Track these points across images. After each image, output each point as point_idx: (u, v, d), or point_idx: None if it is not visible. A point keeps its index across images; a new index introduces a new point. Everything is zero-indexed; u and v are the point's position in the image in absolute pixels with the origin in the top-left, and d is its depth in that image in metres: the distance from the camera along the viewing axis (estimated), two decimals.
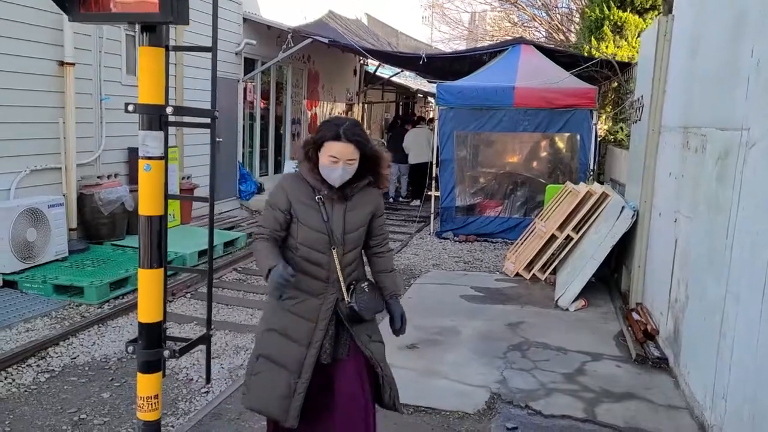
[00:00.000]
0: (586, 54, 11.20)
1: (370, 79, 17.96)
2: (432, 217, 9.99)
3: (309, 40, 10.50)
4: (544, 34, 21.60)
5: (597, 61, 9.09)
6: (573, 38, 18.85)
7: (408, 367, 4.45)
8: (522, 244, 7.82)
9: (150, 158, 2.61)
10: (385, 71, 18.02)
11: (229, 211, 10.43)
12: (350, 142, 2.60)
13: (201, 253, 7.16)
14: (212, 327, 4.79)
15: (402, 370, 4.40)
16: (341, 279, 2.69)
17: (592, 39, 13.97)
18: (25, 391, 4.09)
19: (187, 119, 3.11)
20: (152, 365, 2.74)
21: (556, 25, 21.28)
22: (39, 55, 6.37)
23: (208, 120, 2.93)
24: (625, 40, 13.80)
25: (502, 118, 9.09)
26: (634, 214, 5.59)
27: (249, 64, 11.22)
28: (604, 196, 6.71)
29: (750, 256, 2.92)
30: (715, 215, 3.59)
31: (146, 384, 2.73)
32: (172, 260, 6.62)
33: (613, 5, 13.73)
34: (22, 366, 4.41)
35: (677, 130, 4.78)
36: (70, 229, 6.62)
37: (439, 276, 7.28)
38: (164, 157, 2.66)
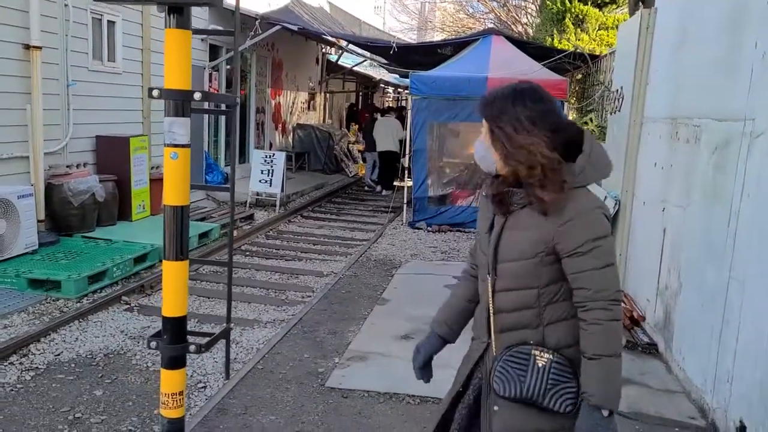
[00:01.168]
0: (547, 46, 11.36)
1: (332, 68, 17.81)
2: (405, 207, 9.99)
3: (277, 27, 10.31)
4: (499, 26, 21.87)
5: (569, 53, 9.24)
6: (531, 31, 19.16)
7: (408, 358, 4.43)
8: None
9: (177, 146, 2.52)
10: (347, 61, 17.91)
11: (197, 201, 10.17)
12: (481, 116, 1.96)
13: None
14: (222, 322, 4.67)
15: (402, 360, 4.40)
16: (491, 325, 1.95)
17: (555, 31, 14.25)
18: (12, 390, 3.90)
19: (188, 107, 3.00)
20: (177, 361, 2.65)
21: (513, 17, 21.57)
22: (3, 37, 6.03)
23: (218, 108, 2.82)
24: (586, 33, 14.12)
25: (476, 108, 9.13)
26: (616, 204, 5.73)
27: (213, 51, 10.94)
28: None
29: (759, 243, 3.03)
30: (713, 204, 3.70)
31: (171, 380, 2.64)
32: (148, 252, 6.41)
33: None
34: (4, 364, 4.19)
35: (663, 121, 4.91)
36: (39, 221, 6.32)
37: (420, 266, 7.30)
38: (190, 145, 2.57)
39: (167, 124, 2.49)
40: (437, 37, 26.01)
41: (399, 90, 26.19)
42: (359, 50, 10.84)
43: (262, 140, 13.64)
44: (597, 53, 11.06)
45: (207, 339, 2.65)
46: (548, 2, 14.37)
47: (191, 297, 5.93)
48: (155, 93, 2.53)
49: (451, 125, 9.55)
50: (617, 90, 6.29)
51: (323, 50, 17.17)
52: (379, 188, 13.48)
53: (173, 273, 2.56)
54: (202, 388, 4.11)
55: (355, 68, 17.66)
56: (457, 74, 9.23)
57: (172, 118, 2.48)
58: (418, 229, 9.42)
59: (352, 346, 4.66)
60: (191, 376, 4.26)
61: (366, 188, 14.17)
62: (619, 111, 6.13)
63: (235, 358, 4.59)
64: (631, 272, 5.53)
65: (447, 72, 9.46)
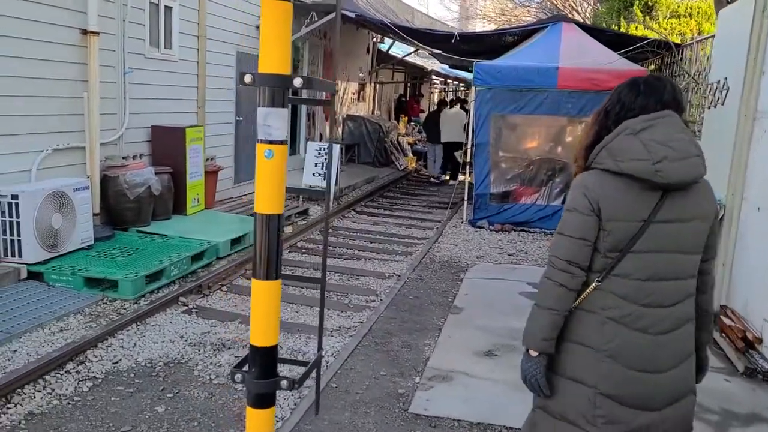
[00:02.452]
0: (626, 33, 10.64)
1: (382, 59, 17.35)
2: (465, 204, 9.49)
3: (331, 16, 9.89)
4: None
5: (652, 41, 8.57)
6: (588, 22, 18.32)
7: (495, 379, 3.99)
8: None
9: (272, 142, 2.10)
10: (397, 50, 17.43)
11: (249, 194, 9.88)
12: None
13: (234, 242, 6.64)
14: (290, 330, 4.26)
15: (489, 382, 3.95)
16: None
17: (621, 20, 13.48)
18: (69, 403, 3.59)
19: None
20: (266, 399, 2.23)
21: (571, 5, 20.71)
22: (61, 21, 5.76)
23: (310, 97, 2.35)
24: (656, 21, 13.31)
25: (544, 100, 8.59)
26: (721, 208, 5.13)
27: None
28: None
29: None
30: None
31: (259, 421, 2.22)
32: (206, 250, 6.09)
33: None
34: (61, 372, 3.90)
35: None
36: (94, 215, 6.06)
37: (488, 269, 6.81)
38: (287, 141, 2.15)
39: (261, 115, 2.08)
40: (480, 27, 25.27)
41: (448, 81, 25.58)
42: (413, 40, 10.34)
43: (312, 132, 13.30)
44: (687, 41, 10.32)
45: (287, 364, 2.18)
46: None
47: (249, 298, 5.58)
48: (248, 78, 2.11)
49: (516, 118, 9.00)
50: (719, 81, 5.66)
51: (374, 40, 16.72)
52: (446, 177, 13.95)
53: (264, 294, 2.15)
54: None
55: (406, 58, 17.16)
56: (524, 64, 8.66)
57: (267, 108, 2.06)
58: (480, 227, 8.92)
59: (432, 363, 4.23)
60: None
61: (432, 179, 14.26)
62: (722, 104, 5.51)
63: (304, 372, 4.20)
64: (739, 285, 4.94)
65: (513, 61, 8.90)
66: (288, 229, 7.91)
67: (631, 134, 1.94)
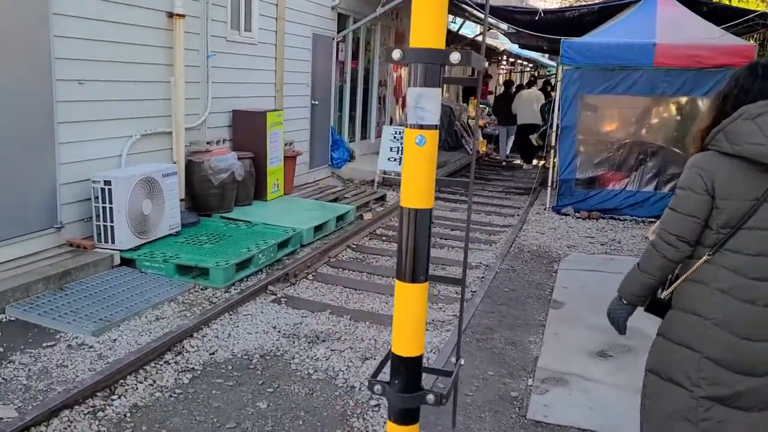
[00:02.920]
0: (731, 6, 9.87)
1: (451, 39, 16.88)
2: (549, 190, 9.06)
3: None
4: None
5: (762, 14, 7.87)
6: None
7: (617, 384, 3.66)
8: None
9: (424, 127, 1.85)
10: (466, 31, 16.91)
11: (323, 178, 9.76)
12: None
13: (317, 228, 6.50)
14: (356, 320, 4.05)
15: (608, 386, 3.63)
16: None
17: None
18: (171, 396, 3.49)
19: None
20: (410, 414, 2.01)
21: None
22: (148, 4, 5.68)
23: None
24: None
25: (638, 79, 8.05)
26: None
27: (341, 21, 10.38)
28: None
29: None
30: None
31: None
32: (290, 237, 5.96)
33: None
34: (160, 363, 3.81)
35: None
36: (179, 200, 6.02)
37: (583, 260, 6.42)
38: (438, 126, 1.89)
39: (413, 97, 1.82)
40: (545, 5, 24.27)
41: (516, 62, 24.80)
42: (495, 18, 9.90)
43: (383, 115, 13.06)
44: None
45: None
46: None
47: (336, 288, 5.43)
48: (396, 54, 1.86)
49: (605, 98, 8.48)
50: None
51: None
52: (518, 161, 13.93)
53: (410, 299, 1.91)
54: (376, 407, 3.53)
55: (476, 38, 16.64)
56: (617, 41, 8.12)
57: (419, 88, 1.81)
58: (565, 215, 8.49)
59: (542, 363, 3.94)
60: (360, 389, 3.70)
61: (503, 162, 14.15)
62: None
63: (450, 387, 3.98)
64: None
65: (604, 38, 8.36)
66: (367, 216, 7.72)
67: (748, 119, 1.99)
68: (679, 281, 2.15)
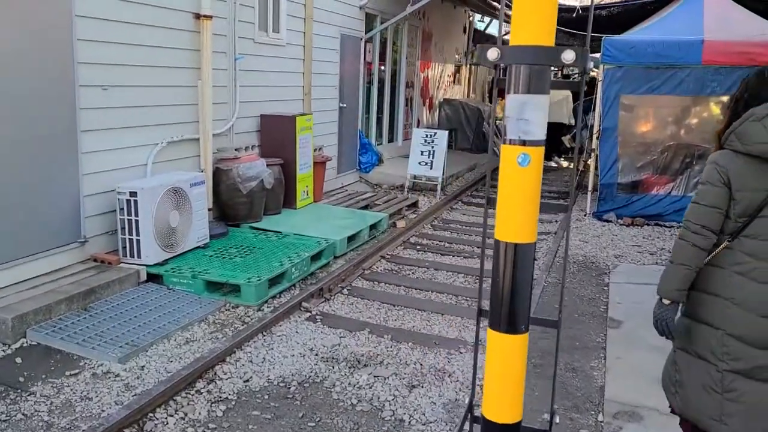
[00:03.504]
0: None
1: (478, 39, 16.50)
2: (590, 195, 8.63)
3: None
4: None
5: None
6: None
7: None
8: None
9: (527, 143, 1.51)
10: (494, 30, 16.52)
11: (351, 184, 9.45)
12: None
13: (350, 239, 6.18)
14: (397, 341, 3.73)
15: None
16: None
17: None
18: (204, 431, 3.19)
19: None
20: None
21: None
22: (174, 5, 5.41)
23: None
24: None
25: (685, 78, 7.62)
26: None
27: (369, 21, 10.05)
28: None
29: None
30: None
31: None
32: (324, 249, 5.64)
33: None
34: (191, 393, 3.51)
35: None
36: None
37: (634, 272, 6.02)
38: (545, 142, 1.55)
39: (514, 106, 1.48)
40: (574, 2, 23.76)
41: None
42: None
43: (410, 117, 12.72)
44: None
45: None
46: None
47: (373, 304, 5.10)
48: (493, 54, 1.53)
49: (649, 99, 8.04)
50: None
51: (470, 18, 15.90)
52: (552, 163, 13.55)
53: (508, 353, 1.57)
54: None
55: (504, 37, 16.24)
56: (662, 38, 7.69)
57: (523, 96, 1.46)
58: (607, 221, 8.07)
59: (610, 394, 3.56)
60: (409, 423, 3.36)
61: None
62: None
63: (456, 399, 3.64)
64: None
65: (648, 35, 7.93)
66: (401, 224, 7.38)
67: (755, 120, 2.23)
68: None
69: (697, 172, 8.08)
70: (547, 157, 13.84)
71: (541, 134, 1.48)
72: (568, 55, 1.39)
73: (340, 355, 4.11)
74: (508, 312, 1.55)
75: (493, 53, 1.48)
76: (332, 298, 5.16)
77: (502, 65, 1.48)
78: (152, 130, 5.29)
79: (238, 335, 4.11)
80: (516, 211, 1.50)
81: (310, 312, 4.80)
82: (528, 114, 1.45)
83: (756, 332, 2.22)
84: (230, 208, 6.07)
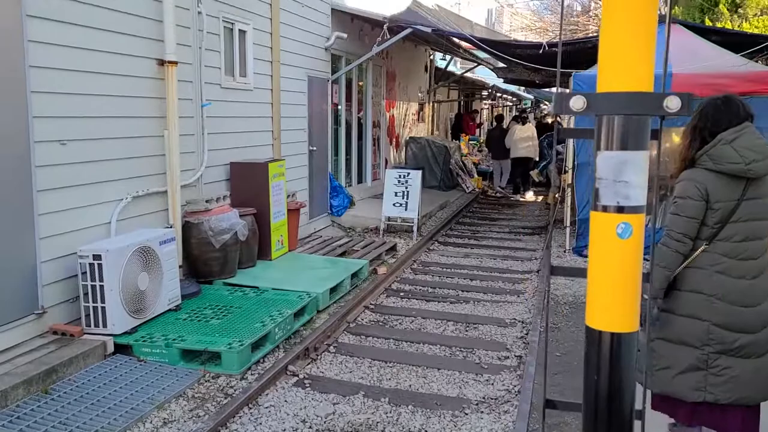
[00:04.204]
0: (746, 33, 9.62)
1: (440, 76, 16.58)
2: (567, 230, 8.51)
3: (408, 31, 9.13)
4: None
5: None
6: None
7: None
8: None
9: (626, 210, 1.25)
10: (453, 66, 16.63)
11: (323, 228, 9.11)
12: None
13: (332, 290, 5.83)
14: (396, 404, 3.41)
15: None
16: None
17: (706, 20, 12.43)
18: None
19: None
20: None
21: None
22: (136, 52, 5.08)
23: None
24: (744, 19, 12.23)
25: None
26: None
27: (334, 62, 9.89)
28: None
29: None
30: None
31: None
32: (307, 304, 5.27)
33: None
34: None
35: None
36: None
37: None
38: (645, 208, 1.28)
39: (610, 166, 1.23)
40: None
41: (498, 96, 24.63)
42: (496, 53, 9.48)
43: (377, 157, 12.53)
44: None
45: None
46: None
47: (363, 361, 4.74)
48: (578, 103, 1.33)
49: None
50: None
51: (431, 57, 15.97)
52: (510, 191, 14.04)
53: None
54: None
55: (465, 74, 16.35)
56: None
57: (620, 153, 1.21)
58: (587, 256, 7.91)
59: None
60: None
61: (497, 194, 14.24)
62: None
63: None
64: None
65: None
66: (381, 270, 7.06)
67: (725, 143, 2.63)
68: (680, 268, 2.73)
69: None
70: (516, 190, 13.93)
71: (643, 197, 1.20)
72: (673, 103, 1.14)
73: (336, 426, 3.73)
74: (607, 416, 1.25)
75: (578, 102, 1.21)
76: (319, 357, 4.78)
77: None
78: (116, 185, 4.89)
79: (222, 411, 3.69)
80: (616, 294, 1.21)
81: (298, 376, 4.40)
82: (628, 175, 1.18)
83: (736, 319, 2.66)
84: (202, 264, 5.66)
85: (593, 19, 20.13)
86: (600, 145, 1.17)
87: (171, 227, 5.27)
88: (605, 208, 1.19)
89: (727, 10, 12.23)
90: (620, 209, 1.18)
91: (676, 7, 13.38)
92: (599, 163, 1.19)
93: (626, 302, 1.20)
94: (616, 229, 1.16)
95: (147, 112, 5.20)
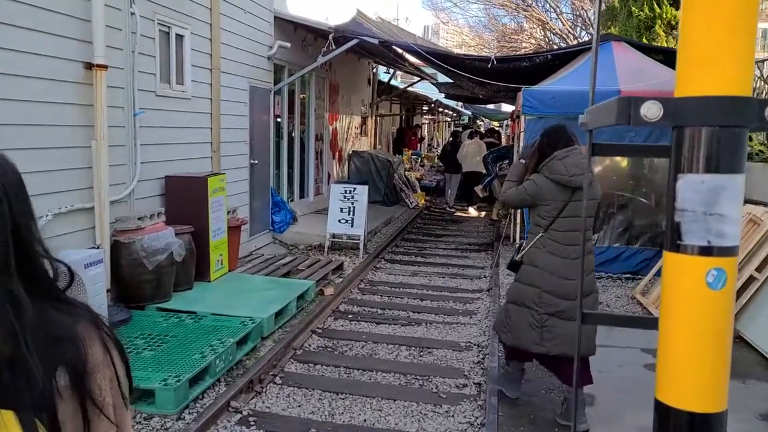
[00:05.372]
0: None
1: (382, 90, 16.41)
2: (516, 246, 8.37)
3: (355, 41, 8.86)
4: (554, 40, 20.46)
5: None
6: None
7: None
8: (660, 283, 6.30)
9: (718, 252, 0.94)
10: (396, 81, 16.50)
11: (265, 246, 8.66)
12: None
13: (277, 314, 5.42)
14: None
15: None
16: None
17: (644, 39, 12.76)
18: None
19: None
20: None
21: (568, 30, 20.21)
22: (60, 53, 4.57)
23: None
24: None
25: (604, 128, 7.62)
26: None
27: (277, 72, 9.50)
28: None
29: None
30: None
31: None
32: (250, 331, 4.85)
33: (665, 3, 12.56)
34: None
35: None
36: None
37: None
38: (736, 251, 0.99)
39: (699, 195, 0.92)
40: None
41: (438, 112, 24.75)
42: (446, 66, 9.35)
43: (320, 171, 12.17)
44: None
45: None
46: (633, 8, 12.91)
47: (313, 394, 4.37)
48: (653, 110, 0.98)
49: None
50: None
51: (373, 70, 15.78)
52: (464, 205, 14.24)
53: None
54: None
55: (408, 89, 16.24)
56: (580, 88, 7.70)
57: (713, 176, 0.91)
58: None
59: None
60: None
61: (448, 209, 14.25)
62: None
63: None
64: None
65: (565, 86, 7.94)
66: (328, 291, 6.70)
67: (558, 160, 3.62)
68: (526, 249, 3.79)
69: (620, 221, 8.08)
70: (469, 202, 13.88)
71: (737, 236, 0.92)
72: None
73: None
74: None
75: (653, 109, 0.92)
76: (264, 390, 4.38)
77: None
78: (34, 200, 4.33)
79: None
80: (704, 362, 0.91)
81: (241, 413, 3.99)
82: (723, 206, 0.89)
83: (560, 288, 3.60)
84: (133, 287, 5.15)
85: (528, 38, 20.53)
86: (682, 166, 0.88)
87: (98, 247, 4.75)
88: (690, 249, 0.89)
89: (663, 31, 12.61)
90: (709, 251, 0.89)
91: (612, 27, 13.73)
92: (682, 189, 0.90)
93: (717, 373, 0.91)
94: (707, 278, 0.88)
95: (72, 120, 4.69)
